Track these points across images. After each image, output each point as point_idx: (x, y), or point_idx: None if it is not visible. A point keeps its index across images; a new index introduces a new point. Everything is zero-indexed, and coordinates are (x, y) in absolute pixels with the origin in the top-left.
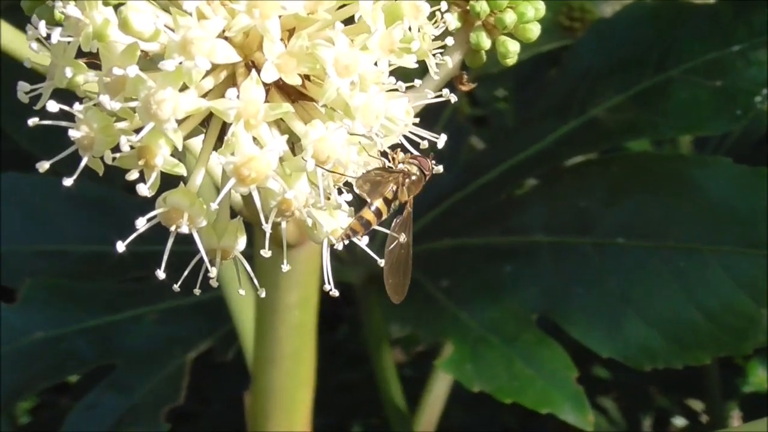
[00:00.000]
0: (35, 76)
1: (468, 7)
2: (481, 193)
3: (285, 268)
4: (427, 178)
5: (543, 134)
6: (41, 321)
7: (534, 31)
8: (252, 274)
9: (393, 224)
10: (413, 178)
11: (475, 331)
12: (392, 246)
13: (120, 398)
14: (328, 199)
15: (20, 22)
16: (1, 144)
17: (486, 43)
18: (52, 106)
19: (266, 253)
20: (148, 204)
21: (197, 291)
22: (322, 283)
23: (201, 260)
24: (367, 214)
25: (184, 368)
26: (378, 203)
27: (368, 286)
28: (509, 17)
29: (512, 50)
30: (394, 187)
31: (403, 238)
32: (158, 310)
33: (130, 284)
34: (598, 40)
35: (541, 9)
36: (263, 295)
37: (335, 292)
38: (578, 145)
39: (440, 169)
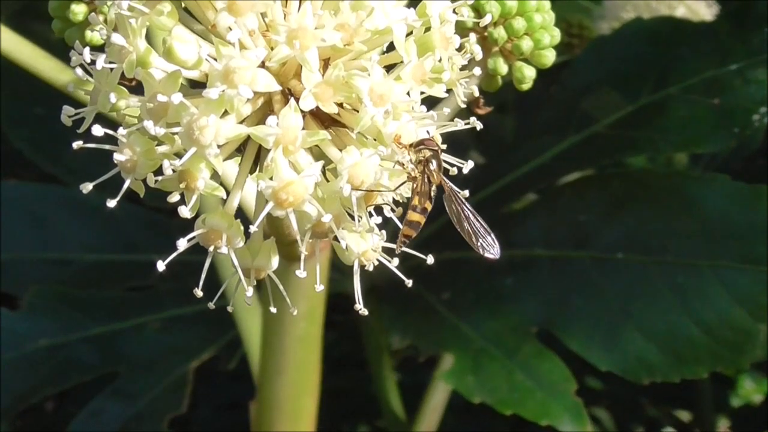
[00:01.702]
0: (40, 84)
1: (486, 34)
2: (480, 207)
3: (301, 274)
4: (440, 150)
5: (542, 150)
6: (46, 328)
7: (549, 57)
8: (268, 286)
9: (445, 203)
10: (433, 161)
11: (476, 343)
12: (459, 219)
13: (124, 406)
14: (360, 221)
15: (21, 28)
16: (1, 148)
17: (503, 68)
18: (98, 131)
19: (303, 249)
20: (149, 214)
21: (211, 305)
22: (328, 294)
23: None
24: (413, 216)
25: (187, 377)
26: (417, 201)
27: (368, 296)
28: (526, 44)
29: (528, 75)
30: (426, 178)
31: (459, 210)
32: (161, 319)
33: (133, 293)
34: (597, 57)
35: (557, 36)
36: (274, 310)
37: (364, 311)
38: (577, 160)
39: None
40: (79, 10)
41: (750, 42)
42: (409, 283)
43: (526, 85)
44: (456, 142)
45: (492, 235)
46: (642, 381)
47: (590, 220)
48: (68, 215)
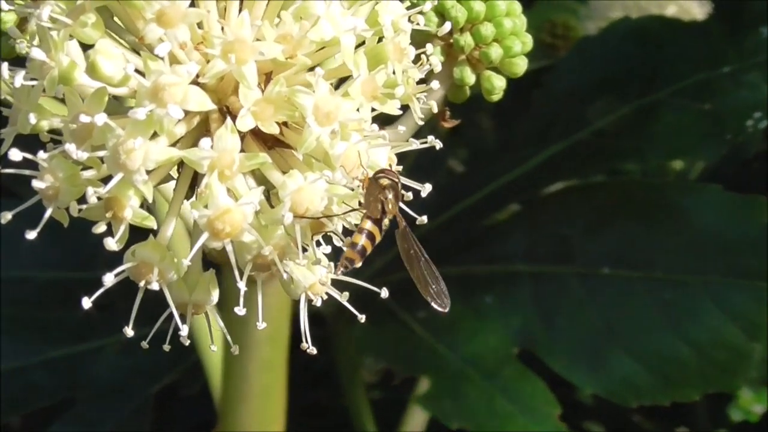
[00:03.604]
0: None
1: (451, 41)
2: (459, 219)
3: (240, 311)
4: (399, 183)
5: (525, 158)
6: (2, 352)
7: (521, 65)
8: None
9: (397, 240)
10: (390, 190)
11: (454, 365)
12: (410, 261)
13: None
14: (306, 251)
15: None
16: None
17: (470, 78)
18: (15, 155)
19: (242, 285)
20: (109, 231)
21: (167, 347)
22: (294, 317)
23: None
24: (360, 239)
25: (150, 401)
26: (369, 226)
27: (339, 316)
28: (495, 51)
29: (498, 86)
30: (380, 206)
31: (413, 251)
32: (121, 341)
33: (92, 313)
34: (582, 59)
35: (529, 43)
36: (235, 349)
37: (313, 350)
38: (561, 170)
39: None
40: (8, 19)
41: (743, 43)
42: (362, 318)
43: (496, 96)
44: (432, 150)
45: (443, 283)
46: (630, 404)
47: (574, 233)
48: (24, 230)
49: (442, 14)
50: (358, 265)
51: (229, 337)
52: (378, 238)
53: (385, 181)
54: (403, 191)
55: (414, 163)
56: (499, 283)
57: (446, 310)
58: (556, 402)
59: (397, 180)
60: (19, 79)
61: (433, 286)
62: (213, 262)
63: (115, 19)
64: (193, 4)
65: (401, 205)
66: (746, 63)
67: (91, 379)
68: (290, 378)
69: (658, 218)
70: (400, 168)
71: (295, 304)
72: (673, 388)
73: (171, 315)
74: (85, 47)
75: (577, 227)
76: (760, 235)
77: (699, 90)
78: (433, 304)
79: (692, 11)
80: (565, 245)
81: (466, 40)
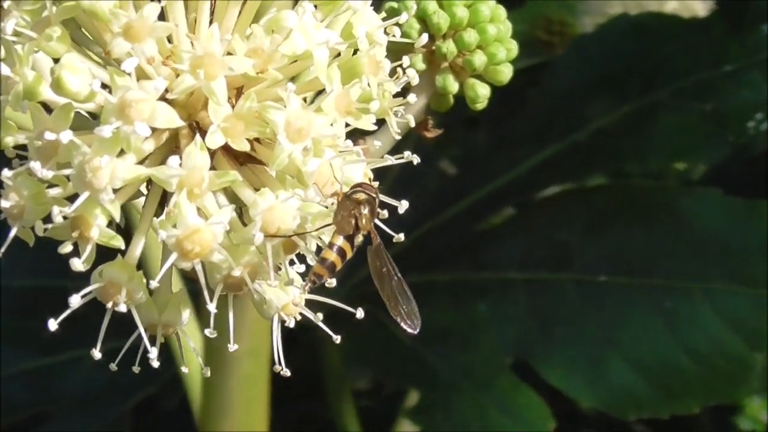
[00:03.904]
0: None
1: (434, 48)
2: (451, 223)
3: (212, 334)
4: (377, 199)
5: (519, 160)
6: None
7: (506, 73)
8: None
9: (368, 257)
10: (365, 206)
11: (445, 377)
12: (381, 279)
13: None
14: (279, 270)
15: None
16: None
17: (453, 86)
18: None
19: (212, 307)
20: (76, 251)
21: (136, 368)
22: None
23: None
24: (329, 255)
25: (127, 415)
26: (340, 242)
27: (326, 323)
28: (479, 59)
29: (482, 94)
30: (353, 221)
31: (385, 269)
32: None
33: (67, 323)
34: (580, 57)
35: (514, 50)
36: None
37: (286, 372)
38: (557, 172)
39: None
40: None
41: (745, 41)
42: (337, 339)
43: (480, 105)
44: (421, 151)
45: (415, 304)
46: (629, 417)
47: (571, 239)
48: None
49: (423, 20)
50: (328, 280)
51: (202, 360)
52: (349, 254)
53: (361, 196)
54: (378, 209)
55: (403, 166)
56: (492, 291)
57: (416, 332)
58: (550, 415)
59: (374, 195)
60: None
61: (404, 306)
62: (190, 278)
63: (83, 29)
64: (161, 17)
65: (377, 221)
66: (747, 61)
67: (65, 392)
68: (273, 390)
69: (657, 223)
70: (377, 184)
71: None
72: (674, 399)
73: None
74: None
75: (574, 232)
76: (761, 242)
77: (700, 90)
78: (402, 324)
79: (692, 8)
80: (562, 251)
81: (449, 47)
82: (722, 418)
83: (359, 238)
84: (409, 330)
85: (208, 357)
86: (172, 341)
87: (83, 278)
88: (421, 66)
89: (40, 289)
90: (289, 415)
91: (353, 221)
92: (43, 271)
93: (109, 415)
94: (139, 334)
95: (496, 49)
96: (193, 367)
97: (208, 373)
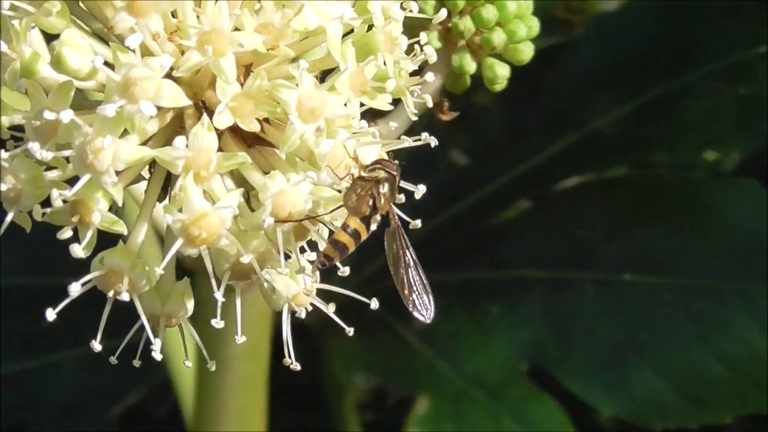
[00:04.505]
0: None
1: (450, 25)
2: (463, 218)
3: (218, 324)
4: (398, 178)
5: (536, 150)
6: None
7: (527, 52)
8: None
9: (385, 239)
10: (385, 184)
11: (456, 384)
12: (396, 263)
13: None
14: (289, 258)
15: None
16: None
17: (471, 66)
18: None
19: (219, 295)
20: (76, 237)
21: (137, 362)
22: (275, 329)
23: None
24: (342, 236)
25: (113, 423)
26: (354, 223)
27: (326, 327)
28: (498, 37)
29: (501, 74)
30: (371, 201)
31: (401, 253)
32: (81, 355)
33: (50, 324)
34: (600, 37)
35: (535, 27)
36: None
37: (296, 366)
38: (576, 163)
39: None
40: None
41: None
42: (350, 331)
43: (499, 86)
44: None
45: (430, 294)
46: (653, 427)
47: (592, 234)
48: None
49: None
50: (340, 267)
51: (205, 352)
52: (364, 236)
53: (380, 174)
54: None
55: (411, 156)
56: (506, 291)
57: (428, 322)
58: (570, 423)
59: (395, 173)
60: None
61: (417, 294)
62: (186, 269)
63: (81, 4)
64: None
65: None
66: None
67: (48, 397)
68: (271, 397)
69: (686, 217)
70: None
71: (277, 315)
72: (703, 408)
73: (141, 327)
74: (50, 37)
75: (594, 228)
76: None
77: (732, 72)
78: (414, 313)
79: None
80: (581, 247)
81: (466, 24)
82: (756, 429)
83: (377, 219)
84: (421, 319)
85: (202, 358)
86: (164, 342)
87: (62, 276)
88: (437, 44)
89: (22, 289)
90: (288, 426)
91: (371, 201)
92: (27, 270)
93: (94, 423)
94: (135, 331)
95: (516, 26)
96: (185, 370)
97: (213, 368)
